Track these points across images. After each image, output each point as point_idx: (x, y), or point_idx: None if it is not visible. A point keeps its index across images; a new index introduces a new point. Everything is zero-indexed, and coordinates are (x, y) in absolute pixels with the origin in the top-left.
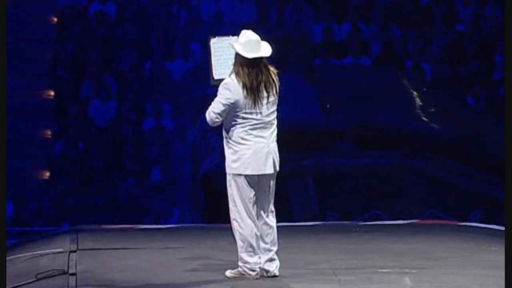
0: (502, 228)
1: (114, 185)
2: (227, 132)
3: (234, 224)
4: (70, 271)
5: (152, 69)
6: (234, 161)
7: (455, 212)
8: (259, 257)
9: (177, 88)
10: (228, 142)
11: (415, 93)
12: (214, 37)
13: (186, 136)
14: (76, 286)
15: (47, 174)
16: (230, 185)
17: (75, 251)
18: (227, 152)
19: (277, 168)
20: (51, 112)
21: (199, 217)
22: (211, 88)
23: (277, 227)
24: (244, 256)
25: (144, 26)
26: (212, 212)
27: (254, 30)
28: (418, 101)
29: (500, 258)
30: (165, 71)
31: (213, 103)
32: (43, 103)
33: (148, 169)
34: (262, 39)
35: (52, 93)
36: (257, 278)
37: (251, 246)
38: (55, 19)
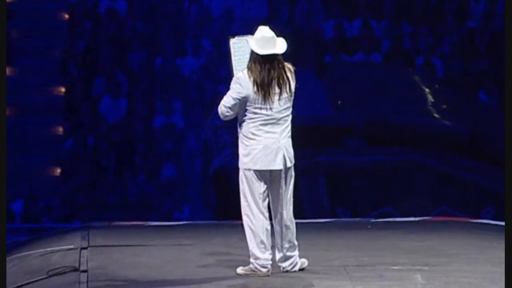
0: None
1: (125, 182)
2: (240, 127)
3: (246, 220)
4: (82, 268)
5: (163, 66)
6: (245, 155)
7: (467, 209)
8: (270, 253)
9: (188, 85)
10: (240, 137)
11: (426, 89)
12: (234, 37)
13: (196, 133)
14: (87, 282)
15: (58, 171)
16: (241, 180)
17: (86, 248)
18: (239, 147)
19: (288, 165)
20: (62, 109)
21: (209, 214)
22: (221, 85)
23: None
24: (255, 251)
25: (154, 23)
26: (223, 209)
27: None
28: (429, 98)
29: None
30: (176, 68)
31: (224, 97)
32: (54, 100)
33: (159, 166)
34: (278, 35)
35: (63, 90)
36: (268, 275)
37: (262, 242)
38: (66, 16)
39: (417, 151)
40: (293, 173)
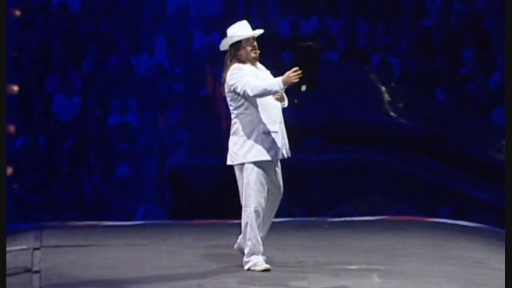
0: (470, 224)
1: (79, 181)
2: None
3: None
4: (34, 269)
5: (117, 64)
6: None
7: (424, 208)
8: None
9: (142, 83)
10: None
11: (383, 88)
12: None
13: (152, 131)
14: (40, 284)
15: (10, 170)
16: None
17: (38, 248)
18: None
19: (234, 162)
20: (15, 107)
21: (165, 214)
22: (177, 82)
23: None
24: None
25: (108, 20)
26: (178, 209)
27: (221, 24)
28: (386, 96)
29: (468, 254)
30: (130, 66)
31: (244, 80)
32: (6, 97)
33: (113, 165)
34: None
35: (16, 87)
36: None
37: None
38: (18, 12)
39: (374, 150)
40: (246, 172)
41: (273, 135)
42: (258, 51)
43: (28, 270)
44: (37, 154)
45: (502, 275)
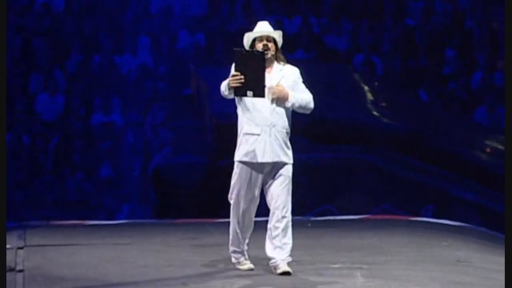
0: (453, 223)
1: (63, 180)
2: (289, 123)
3: (289, 213)
4: (18, 268)
5: (101, 64)
6: None
7: (407, 207)
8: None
9: (126, 82)
10: (289, 133)
11: (366, 87)
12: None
13: (135, 131)
14: (23, 282)
15: None
16: (291, 174)
17: (22, 248)
18: (289, 143)
19: None
20: None
21: (149, 213)
22: (161, 82)
23: (226, 223)
24: None
25: (92, 19)
26: (162, 208)
27: (205, 24)
28: (369, 96)
29: (450, 253)
30: (114, 65)
31: (308, 91)
32: None
33: (97, 165)
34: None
35: None
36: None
37: None
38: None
39: (357, 149)
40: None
41: (254, 137)
42: (267, 52)
43: (12, 269)
44: (21, 153)
45: (485, 273)
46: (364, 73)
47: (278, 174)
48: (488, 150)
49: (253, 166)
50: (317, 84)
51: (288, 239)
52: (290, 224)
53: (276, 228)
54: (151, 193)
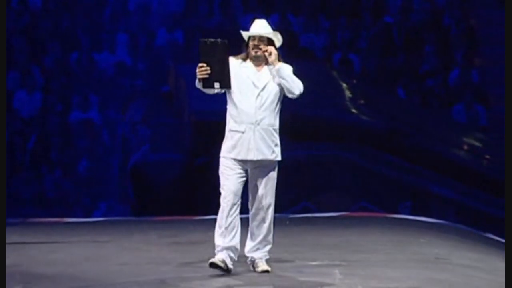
0: (430, 220)
1: (41, 178)
2: (276, 120)
3: (272, 214)
4: None
5: (79, 61)
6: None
7: (385, 204)
8: None
9: (104, 80)
10: (276, 130)
11: (344, 85)
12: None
13: (114, 128)
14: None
15: None
16: (276, 173)
17: None
18: (278, 140)
19: None
20: None
21: (127, 210)
22: (139, 80)
23: (205, 220)
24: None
25: (70, 16)
26: (141, 205)
27: (183, 21)
28: (347, 93)
29: (429, 250)
30: (92, 62)
31: (297, 79)
32: None
33: (76, 162)
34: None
35: None
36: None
37: None
38: None
39: (335, 146)
40: None
41: (238, 134)
42: (258, 50)
43: None
44: None
45: (463, 270)
46: (342, 70)
47: (263, 174)
48: (465, 147)
49: (237, 162)
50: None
51: (269, 239)
52: (272, 225)
53: (258, 228)
54: (130, 191)
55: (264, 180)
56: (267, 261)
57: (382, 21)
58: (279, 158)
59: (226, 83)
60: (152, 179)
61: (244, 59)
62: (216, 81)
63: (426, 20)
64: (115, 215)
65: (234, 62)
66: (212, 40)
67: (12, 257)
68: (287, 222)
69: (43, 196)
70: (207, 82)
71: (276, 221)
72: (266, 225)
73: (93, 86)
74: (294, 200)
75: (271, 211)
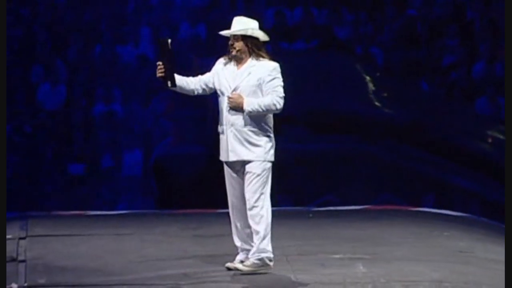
0: (454, 213)
1: (64, 170)
2: (265, 119)
3: (265, 213)
4: (20, 258)
5: (102, 54)
6: (272, 147)
7: (408, 197)
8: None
9: (128, 73)
10: (265, 129)
11: (367, 78)
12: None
13: (137, 121)
14: (25, 273)
15: None
16: (267, 173)
17: (24, 238)
18: (263, 140)
19: None
20: None
21: (150, 203)
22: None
23: (228, 213)
24: (268, 244)
25: (93, 9)
26: (164, 198)
27: (206, 15)
28: (370, 86)
29: (452, 243)
30: (115, 55)
31: (279, 89)
32: None
33: (99, 155)
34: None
35: None
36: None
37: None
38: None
39: (359, 140)
40: None
41: (220, 136)
42: (233, 50)
43: (14, 260)
44: (22, 144)
45: (486, 264)
46: (365, 63)
47: (246, 173)
48: (489, 140)
49: (228, 165)
50: (317, 75)
51: (256, 240)
52: (261, 225)
53: (251, 234)
54: (153, 184)
55: (246, 179)
56: (276, 257)
57: (406, 14)
58: (261, 158)
59: (172, 82)
60: (175, 172)
61: (230, 59)
62: (168, 79)
63: (450, 13)
64: (137, 208)
65: (219, 63)
66: (161, 39)
67: (35, 249)
68: (310, 215)
69: (66, 189)
70: (164, 81)
71: (299, 214)
72: (251, 225)
73: (116, 79)
74: (317, 193)
75: (257, 210)
